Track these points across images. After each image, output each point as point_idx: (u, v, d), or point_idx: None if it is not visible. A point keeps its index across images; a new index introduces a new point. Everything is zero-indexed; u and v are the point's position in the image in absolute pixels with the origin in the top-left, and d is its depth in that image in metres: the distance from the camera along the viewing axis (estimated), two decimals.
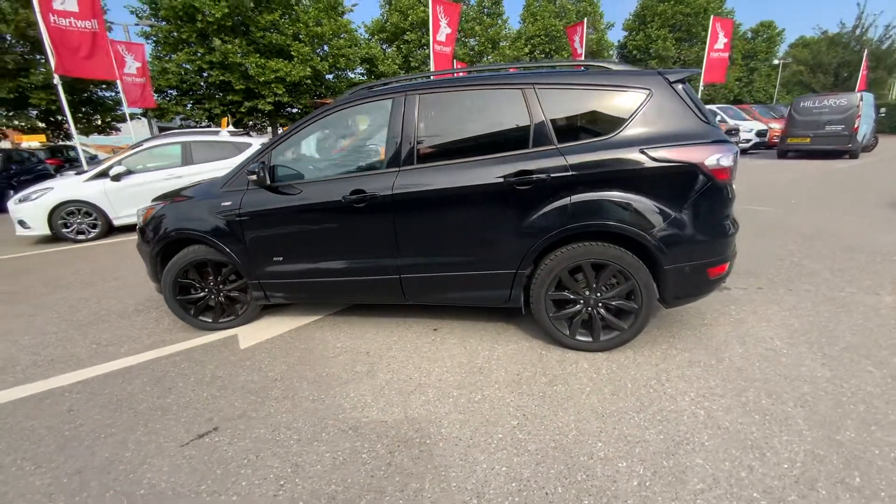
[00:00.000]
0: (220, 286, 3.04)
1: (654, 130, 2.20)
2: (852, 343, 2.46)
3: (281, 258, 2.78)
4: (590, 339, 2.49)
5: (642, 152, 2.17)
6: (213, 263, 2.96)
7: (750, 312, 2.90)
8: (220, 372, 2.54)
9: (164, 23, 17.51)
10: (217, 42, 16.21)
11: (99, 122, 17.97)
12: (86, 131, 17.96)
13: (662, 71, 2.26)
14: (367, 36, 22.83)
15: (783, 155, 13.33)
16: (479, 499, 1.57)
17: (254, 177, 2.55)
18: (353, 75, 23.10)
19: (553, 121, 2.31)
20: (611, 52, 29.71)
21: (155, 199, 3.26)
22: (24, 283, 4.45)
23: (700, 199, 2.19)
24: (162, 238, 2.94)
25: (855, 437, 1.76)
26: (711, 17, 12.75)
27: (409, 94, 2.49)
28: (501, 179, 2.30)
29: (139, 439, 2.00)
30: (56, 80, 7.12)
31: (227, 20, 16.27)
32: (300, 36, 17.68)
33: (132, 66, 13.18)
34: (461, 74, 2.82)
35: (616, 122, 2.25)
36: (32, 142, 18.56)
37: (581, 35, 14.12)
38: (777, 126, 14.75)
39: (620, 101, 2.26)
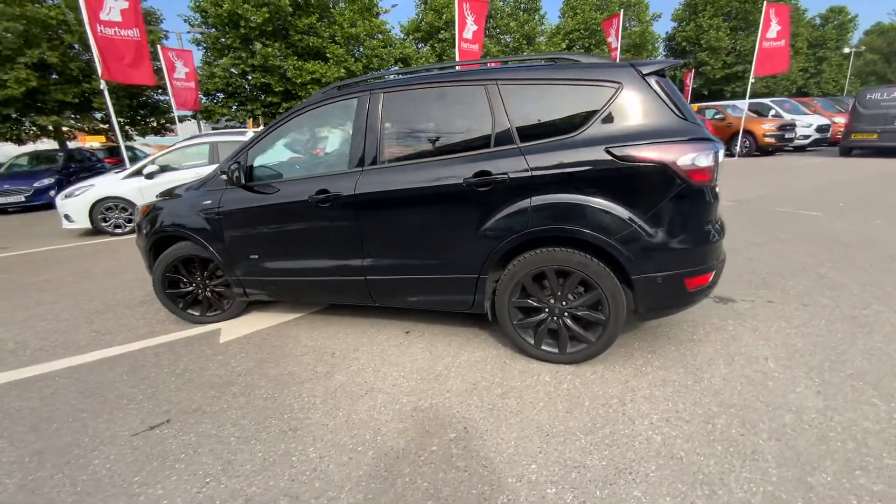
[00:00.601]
0: (207, 282, 3.16)
1: (623, 128, 2.02)
2: (862, 369, 2.15)
3: (256, 256, 2.83)
4: (556, 351, 2.34)
5: (608, 151, 2.00)
6: (199, 259, 3.07)
7: (749, 328, 2.62)
8: (192, 365, 2.63)
9: (213, 30, 18.62)
10: (258, 46, 17.00)
11: (154, 124, 19.44)
12: (143, 132, 19.47)
13: (635, 62, 2.07)
14: (402, 36, 23.06)
15: (846, 152, 12.05)
16: None
17: (224, 176, 2.61)
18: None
19: (515, 118, 2.18)
20: (656, 45, 28.19)
21: (158, 196, 3.44)
22: (56, 273, 4.87)
23: (672, 202, 1.99)
24: (152, 234, 3.09)
25: (831, 481, 1.52)
26: (764, 2, 11.73)
27: (374, 93, 2.45)
28: (461, 181, 2.21)
29: (99, 426, 2.10)
30: (102, 85, 7.73)
31: (268, 25, 17.02)
32: (336, 38, 18.17)
33: (181, 71, 14.09)
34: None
35: (582, 120, 2.09)
36: (94, 142, 20.29)
37: (617, 28, 13.48)
38: (841, 121, 13.38)
39: (587, 97, 2.09)
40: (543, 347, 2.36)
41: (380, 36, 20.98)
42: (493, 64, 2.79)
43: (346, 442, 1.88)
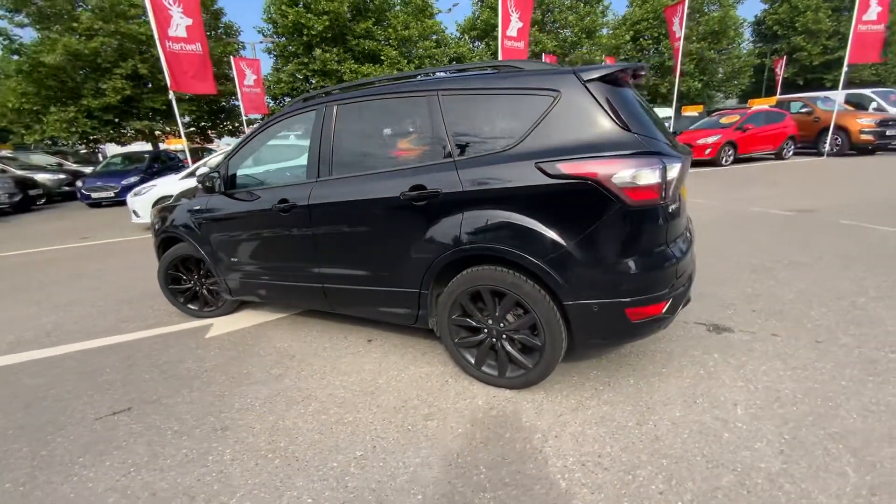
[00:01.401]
0: (203, 280, 3.43)
1: (557, 141, 1.86)
2: (849, 429, 1.78)
3: (235, 259, 3.02)
4: (496, 374, 2.22)
5: (538, 167, 1.85)
6: (195, 259, 3.35)
7: (733, 366, 2.28)
8: (173, 357, 2.88)
9: (282, 38, 20.06)
10: (318, 52, 17.99)
11: (230, 127, 21.45)
12: (220, 134, 21.57)
13: (579, 68, 1.88)
14: (457, 34, 23.11)
15: None
16: None
17: (200, 185, 2.81)
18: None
19: (453, 130, 2.10)
20: (740, 31, 25.38)
21: (176, 197, 3.78)
22: (111, 263, 5.56)
23: (608, 224, 1.79)
24: (159, 233, 3.42)
25: None
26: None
27: (329, 105, 2.49)
28: (399, 194, 2.17)
29: (77, 407, 2.37)
30: (171, 95, 8.66)
31: (328, 32, 17.94)
32: (389, 40, 18.69)
33: (250, 78, 15.35)
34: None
35: (518, 131, 1.95)
36: (178, 144, 22.82)
37: (681, 16, 12.34)
38: None
39: (526, 107, 1.94)
40: (484, 369, 2.25)
41: (435, 37, 21.23)
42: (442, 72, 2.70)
43: (262, 447, 1.95)
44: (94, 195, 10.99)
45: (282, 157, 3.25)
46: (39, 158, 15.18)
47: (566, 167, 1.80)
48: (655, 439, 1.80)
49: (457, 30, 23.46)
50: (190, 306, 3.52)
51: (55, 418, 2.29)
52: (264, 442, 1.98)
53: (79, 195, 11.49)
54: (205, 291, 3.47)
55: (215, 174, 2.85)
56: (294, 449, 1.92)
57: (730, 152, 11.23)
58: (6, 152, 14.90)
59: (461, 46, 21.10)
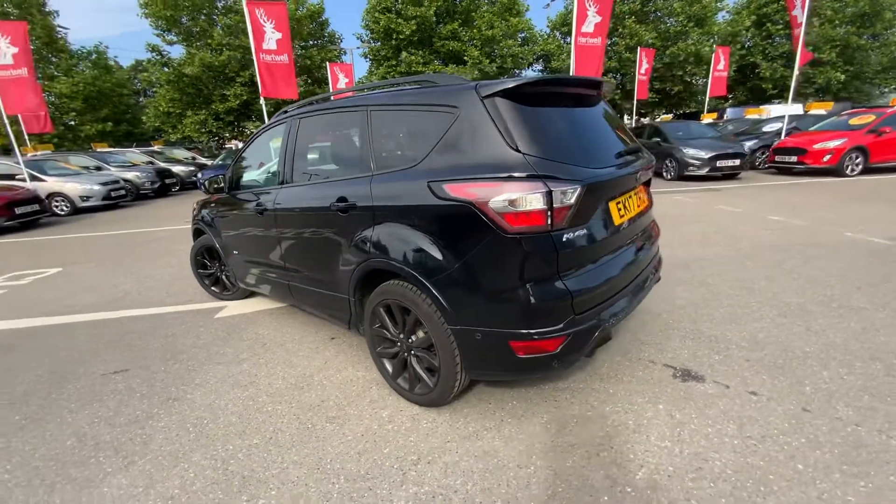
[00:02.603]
0: (222, 267, 3.95)
1: (453, 159, 1.80)
2: None
3: (235, 252, 3.43)
4: (407, 388, 2.22)
5: (429, 186, 1.81)
6: (215, 248, 3.87)
7: (674, 423, 1.95)
8: (180, 331, 3.39)
9: (378, 43, 21.47)
10: (404, 55, 18.88)
11: None
12: None
13: (482, 83, 1.79)
14: (547, 31, 22.33)
15: None
16: None
17: (202, 186, 3.24)
18: (531, 73, 23.14)
19: (375, 145, 2.14)
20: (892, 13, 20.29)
21: None
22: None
23: (488, 248, 1.69)
24: (193, 223, 4.01)
25: None
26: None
27: (294, 118, 2.69)
28: (329, 204, 2.29)
29: (95, 363, 2.95)
30: (262, 101, 9.91)
31: (415, 35, 18.72)
32: (474, 41, 18.82)
33: (342, 82, 16.78)
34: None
35: (423, 148, 1.92)
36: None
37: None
38: None
39: (431, 123, 1.91)
40: (399, 381, 2.27)
41: (525, 34, 20.82)
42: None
43: (190, 420, 2.23)
44: None
45: (271, 161, 3.59)
46: (179, 153, 18.46)
47: (451, 188, 1.74)
48: (525, 486, 1.66)
49: (547, 26, 22.68)
50: (213, 289, 4.07)
51: (76, 369, 2.87)
52: (194, 416, 2.27)
53: (198, 184, 13.77)
54: (224, 277, 3.98)
55: (222, 176, 3.27)
56: (211, 427, 2.17)
57: (857, 160, 9.17)
58: (157, 147, 18.38)
59: (549, 44, 20.35)
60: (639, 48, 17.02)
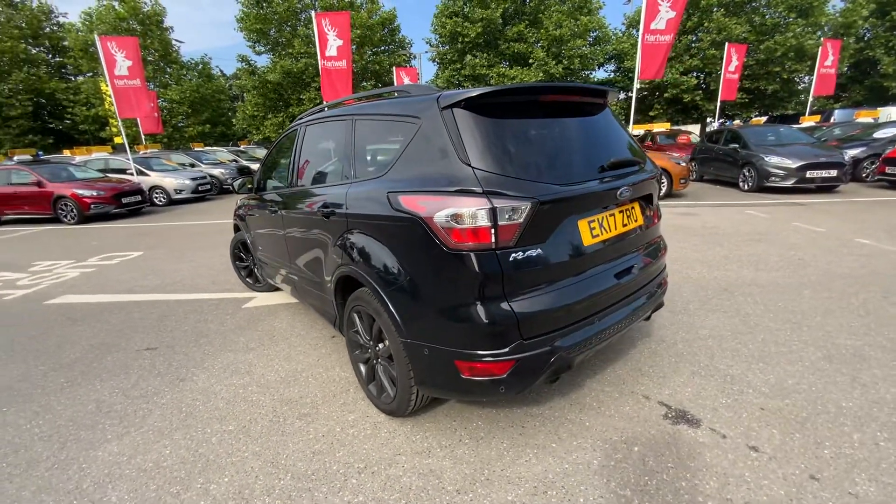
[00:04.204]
0: (254, 260, 4.28)
1: (412, 170, 1.78)
2: None
3: (259, 247, 3.70)
4: (375, 394, 2.24)
5: (388, 196, 1.81)
6: (248, 243, 4.21)
7: (640, 472, 1.74)
8: (211, 317, 3.73)
9: (446, 47, 21.87)
10: (468, 57, 18.98)
11: None
12: None
13: (445, 94, 1.74)
14: (622, 29, 21.08)
15: None
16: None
17: (228, 186, 3.53)
18: (601, 74, 22.05)
19: (357, 154, 2.19)
20: None
21: None
22: None
23: (435, 264, 1.64)
24: (233, 220, 4.40)
25: None
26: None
27: (302, 126, 2.84)
28: (316, 208, 2.39)
29: (135, 339, 3.36)
30: (325, 104, 10.57)
31: (480, 38, 18.74)
32: (540, 42, 18.37)
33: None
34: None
35: (391, 158, 1.92)
36: None
37: None
38: None
39: (399, 134, 1.91)
40: (370, 387, 2.29)
41: (595, 33, 19.91)
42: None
43: (186, 401, 2.45)
44: None
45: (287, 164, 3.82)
46: (260, 152, 20.34)
47: (405, 200, 1.72)
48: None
49: (623, 23, 21.42)
50: (248, 280, 4.43)
51: (119, 343, 3.29)
52: (191, 398, 2.49)
53: (230, 185, 15.04)
54: (255, 269, 4.32)
55: (250, 177, 3.56)
56: (200, 410, 2.36)
57: None
58: (242, 147, 20.43)
59: (622, 42, 19.21)
60: (727, 44, 15.43)
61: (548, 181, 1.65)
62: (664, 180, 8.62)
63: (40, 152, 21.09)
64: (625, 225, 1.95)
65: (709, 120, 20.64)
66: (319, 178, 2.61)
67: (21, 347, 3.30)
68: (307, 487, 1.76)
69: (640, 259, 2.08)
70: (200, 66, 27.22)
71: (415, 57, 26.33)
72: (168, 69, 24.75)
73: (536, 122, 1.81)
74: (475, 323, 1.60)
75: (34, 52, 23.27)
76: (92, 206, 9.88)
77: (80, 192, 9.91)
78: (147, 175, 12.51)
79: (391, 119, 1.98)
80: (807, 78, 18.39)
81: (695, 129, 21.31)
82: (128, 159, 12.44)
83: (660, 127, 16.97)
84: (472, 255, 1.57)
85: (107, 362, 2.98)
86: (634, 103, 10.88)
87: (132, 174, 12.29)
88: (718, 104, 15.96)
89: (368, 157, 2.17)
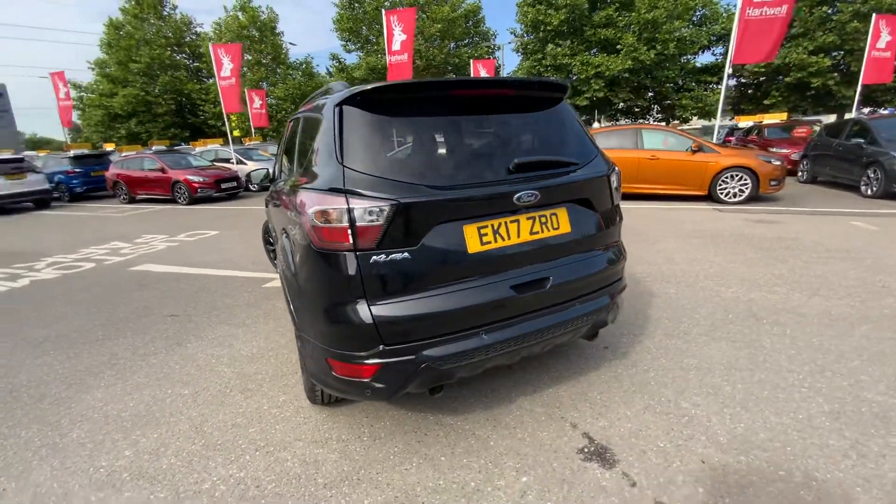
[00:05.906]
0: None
1: (314, 167, 1.81)
2: None
3: (273, 234, 4.06)
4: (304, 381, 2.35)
5: (297, 193, 1.87)
6: None
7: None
8: (233, 292, 4.21)
9: (529, 36, 21.21)
10: (550, 47, 18.12)
11: None
12: None
13: (343, 91, 1.74)
14: (732, 4, 18.24)
15: None
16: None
17: (247, 182, 3.90)
18: (707, 58, 19.49)
19: (297, 151, 2.30)
20: None
21: None
22: None
23: (307, 261, 1.67)
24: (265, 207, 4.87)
25: None
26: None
27: (298, 117, 3.02)
28: (279, 203, 2.55)
29: (168, 305, 3.94)
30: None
31: (563, 25, 17.75)
32: (631, 26, 16.79)
33: (483, 76, 17.27)
34: None
35: (311, 156, 1.97)
36: None
37: None
38: None
39: (315, 131, 1.95)
40: (301, 373, 2.41)
41: (701, 11, 17.62)
42: None
43: (170, 361, 2.83)
44: None
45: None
46: None
47: (301, 197, 1.77)
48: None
49: None
50: (275, 262, 4.88)
51: (156, 308, 3.89)
52: (173, 361, 2.86)
53: (245, 180, 16.06)
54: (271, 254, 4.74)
55: (263, 171, 3.92)
56: (176, 373, 2.71)
57: None
58: None
59: (730, 22, 16.66)
60: (874, 15, 12.54)
61: (422, 183, 1.56)
62: (615, 182, 7.34)
63: (181, 142, 25.23)
64: (535, 232, 1.76)
65: (861, 109, 17.01)
66: (281, 173, 2.78)
67: (94, 304, 4.08)
68: (207, 455, 1.94)
69: (565, 270, 1.85)
70: (304, 66, 30.05)
71: (499, 48, 25.94)
72: (278, 70, 27.78)
73: (432, 121, 1.72)
74: (338, 323, 1.61)
75: (178, 58, 27.80)
76: (199, 189, 11.61)
77: (190, 177, 11.70)
78: (245, 164, 14.30)
79: (312, 117, 2.04)
80: None
81: (831, 120, 17.74)
82: (231, 150, 14.35)
83: (773, 118, 14.43)
84: (333, 255, 1.56)
85: (140, 323, 3.55)
86: (724, 92, 9.39)
87: (233, 163, 14.16)
88: (859, 88, 13.06)
89: (303, 155, 2.25)
